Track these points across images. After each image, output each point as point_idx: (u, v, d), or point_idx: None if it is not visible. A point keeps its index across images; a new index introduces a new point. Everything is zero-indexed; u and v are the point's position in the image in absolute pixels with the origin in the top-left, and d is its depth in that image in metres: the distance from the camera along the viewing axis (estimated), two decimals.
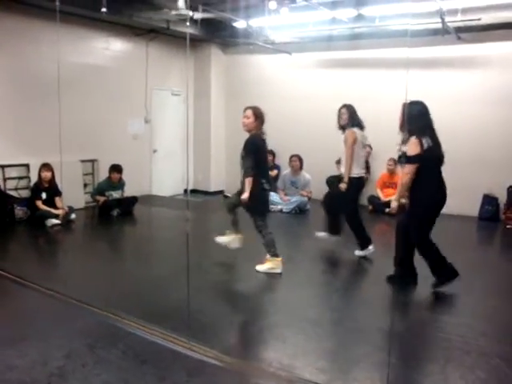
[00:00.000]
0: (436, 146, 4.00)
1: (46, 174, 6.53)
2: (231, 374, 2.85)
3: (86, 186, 7.72)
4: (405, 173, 4.03)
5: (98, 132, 7.80)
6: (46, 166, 6.54)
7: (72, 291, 3.93)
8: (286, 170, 8.21)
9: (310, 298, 4.10)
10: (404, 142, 4.03)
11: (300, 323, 3.50)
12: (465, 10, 6.31)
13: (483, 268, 5.01)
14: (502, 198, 7.07)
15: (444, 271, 4.07)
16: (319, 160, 8.00)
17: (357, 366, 2.95)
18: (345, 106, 5.13)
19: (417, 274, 4.26)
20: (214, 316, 3.63)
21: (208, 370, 2.84)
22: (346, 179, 5.01)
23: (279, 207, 7.62)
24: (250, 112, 4.55)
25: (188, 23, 6.86)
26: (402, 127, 4.09)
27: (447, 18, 6.24)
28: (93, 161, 7.87)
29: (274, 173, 8.18)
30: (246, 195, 4.46)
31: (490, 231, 6.95)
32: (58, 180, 6.59)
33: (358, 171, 5.08)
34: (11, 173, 6.83)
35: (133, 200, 7.52)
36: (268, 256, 4.61)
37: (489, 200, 7.19)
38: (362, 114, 5.17)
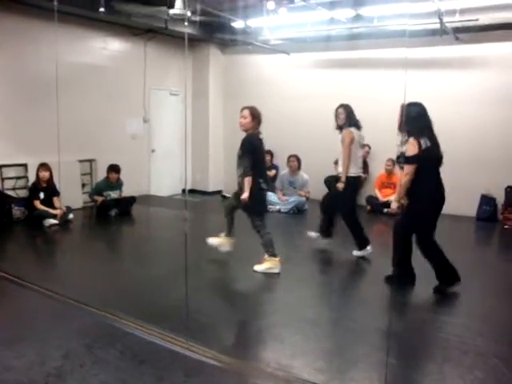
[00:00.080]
0: (434, 147, 4.01)
1: (44, 174, 6.51)
2: (229, 374, 2.85)
3: (84, 185, 7.71)
4: (404, 174, 4.04)
5: (96, 132, 7.79)
6: (43, 166, 6.52)
7: (70, 291, 3.93)
8: (284, 170, 8.21)
9: (308, 298, 4.10)
10: (403, 142, 4.05)
11: (298, 323, 3.51)
12: (463, 11, 6.33)
13: (481, 268, 5.02)
14: (500, 199, 7.09)
15: (448, 275, 4.08)
16: (317, 160, 8.00)
17: (355, 366, 2.95)
18: (342, 105, 5.14)
19: (415, 274, 4.26)
20: (212, 316, 3.63)
21: (206, 370, 2.84)
22: (343, 179, 5.02)
23: (277, 207, 7.62)
24: (247, 112, 4.54)
25: (186, 23, 6.86)
26: (400, 128, 4.11)
27: (445, 19, 6.25)
28: (91, 161, 7.86)
29: (272, 173, 8.19)
30: (245, 195, 4.44)
31: (488, 231, 6.96)
32: (55, 180, 6.57)
33: (355, 171, 5.09)
34: (9, 172, 6.82)
35: (131, 200, 7.51)
36: (266, 256, 4.60)
37: (487, 200, 7.19)
38: (360, 114, 5.18)
